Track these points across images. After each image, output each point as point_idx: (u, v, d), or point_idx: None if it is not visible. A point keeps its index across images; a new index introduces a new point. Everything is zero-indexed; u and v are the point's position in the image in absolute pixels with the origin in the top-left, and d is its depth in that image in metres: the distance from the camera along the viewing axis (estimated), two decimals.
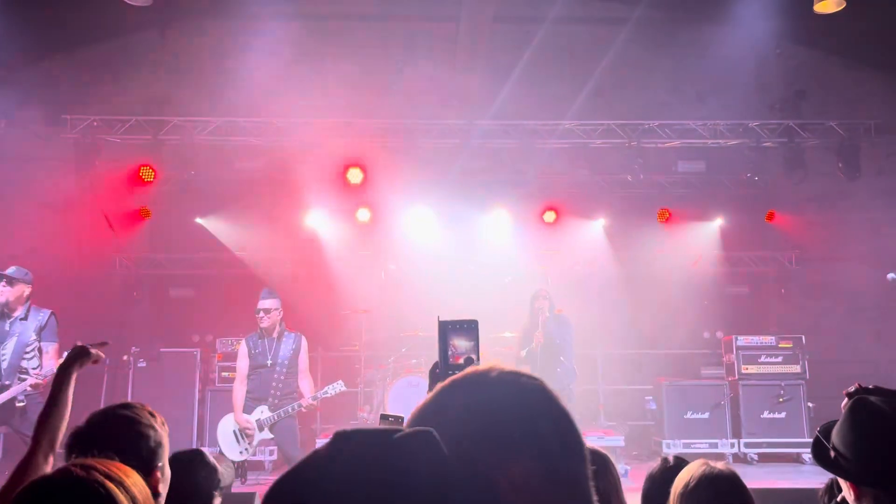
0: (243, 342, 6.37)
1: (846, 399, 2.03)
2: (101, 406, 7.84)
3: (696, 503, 2.04)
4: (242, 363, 6.30)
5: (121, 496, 1.35)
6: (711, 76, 9.87)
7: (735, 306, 10.77)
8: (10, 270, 5.73)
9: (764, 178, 10.03)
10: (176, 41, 10.39)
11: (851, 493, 1.87)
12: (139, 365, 8.48)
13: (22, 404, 5.53)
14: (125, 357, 8.69)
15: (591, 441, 3.12)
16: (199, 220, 10.34)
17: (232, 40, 9.62)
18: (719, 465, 2.17)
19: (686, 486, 2.10)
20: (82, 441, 1.94)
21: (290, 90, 9.20)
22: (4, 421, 5.52)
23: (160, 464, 2.00)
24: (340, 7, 10.40)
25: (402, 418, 2.77)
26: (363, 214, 9.98)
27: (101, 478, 1.36)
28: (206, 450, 2.88)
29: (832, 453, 1.91)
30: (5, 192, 9.85)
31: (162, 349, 8.63)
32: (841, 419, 1.93)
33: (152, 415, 2.14)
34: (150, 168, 9.16)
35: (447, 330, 1.95)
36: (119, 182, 9.47)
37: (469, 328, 1.96)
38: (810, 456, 6.89)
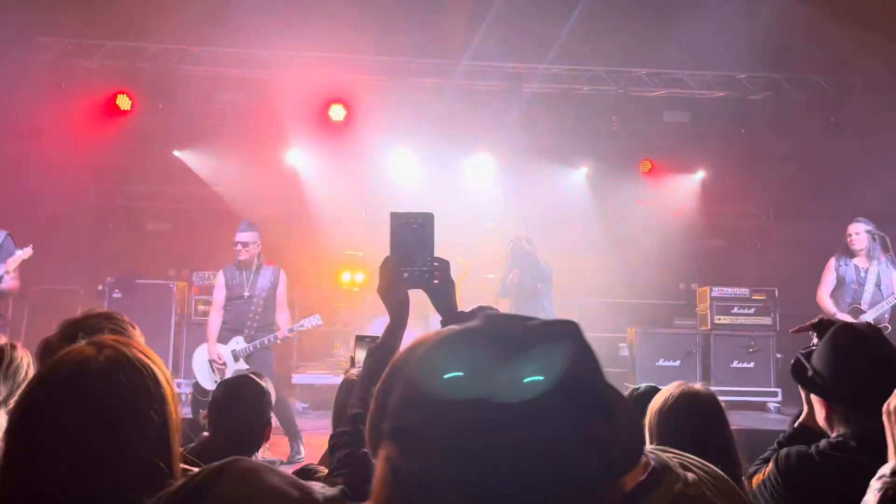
0: (220, 273, 6.34)
1: (812, 329, 2.10)
2: None
3: (675, 419, 2.06)
4: (219, 294, 6.28)
5: (159, 373, 1.27)
6: (701, 26, 9.74)
7: (712, 259, 10.88)
8: None
9: (748, 133, 10.03)
10: None
11: (822, 410, 1.94)
12: (114, 296, 8.40)
13: None
14: (100, 287, 8.61)
15: None
16: (176, 153, 10.16)
17: None
18: (697, 386, 2.20)
19: (665, 402, 2.12)
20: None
21: (275, 19, 8.95)
22: None
23: None
24: None
25: (377, 338, 2.75)
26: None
27: (141, 354, 1.28)
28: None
29: (810, 372, 1.97)
30: None
31: (137, 280, 8.55)
32: (823, 341, 1.99)
33: (133, 326, 2.10)
34: (127, 96, 8.92)
35: (400, 225, 1.81)
36: (94, 109, 9.24)
37: (424, 223, 1.80)
38: (776, 404, 7.02)
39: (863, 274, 7.39)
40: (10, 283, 5.73)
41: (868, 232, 7.33)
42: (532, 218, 9.40)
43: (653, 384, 2.64)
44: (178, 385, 8.24)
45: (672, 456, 1.04)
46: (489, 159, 10.07)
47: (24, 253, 5.64)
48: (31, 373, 2.13)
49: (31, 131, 9.78)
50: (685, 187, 10.73)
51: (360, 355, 2.54)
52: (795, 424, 2.32)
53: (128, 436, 1.17)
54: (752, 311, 9.11)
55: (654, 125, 10.49)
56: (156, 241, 10.74)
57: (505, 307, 7.73)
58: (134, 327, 2.07)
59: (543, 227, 9.36)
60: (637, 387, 2.68)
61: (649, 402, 2.23)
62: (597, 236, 10.18)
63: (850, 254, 7.47)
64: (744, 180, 10.87)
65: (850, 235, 7.39)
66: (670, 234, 10.47)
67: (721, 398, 7.93)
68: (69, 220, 10.16)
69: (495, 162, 10.08)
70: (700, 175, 10.71)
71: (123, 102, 8.94)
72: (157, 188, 10.55)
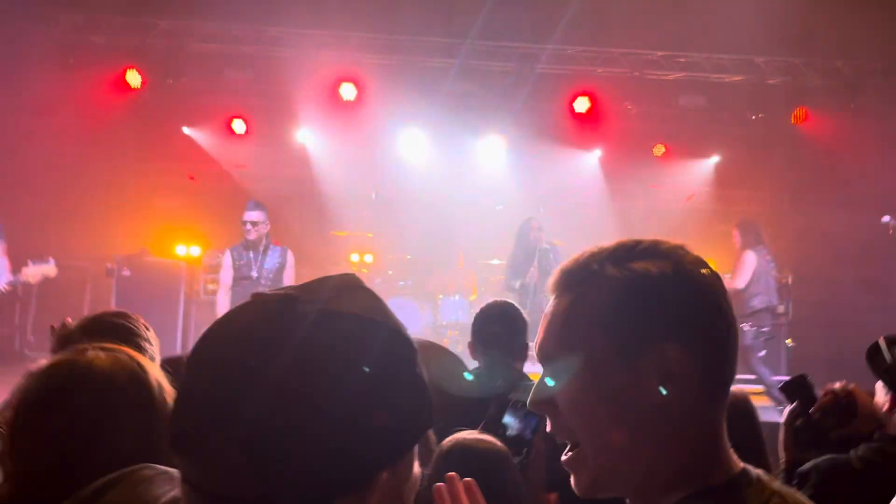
0: (227, 253, 6.30)
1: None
2: (85, 312, 7.76)
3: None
4: (226, 274, 6.24)
5: (150, 376, 1.26)
6: (718, 8, 9.57)
7: (725, 245, 10.75)
8: None
9: (764, 117, 9.88)
10: None
11: (889, 402, 1.92)
12: (123, 273, 8.37)
13: None
14: (108, 265, 8.58)
15: None
16: (186, 130, 10.09)
17: None
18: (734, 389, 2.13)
19: None
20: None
21: None
22: None
23: None
24: None
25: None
26: (353, 133, 9.64)
27: (130, 358, 1.26)
28: None
29: (889, 360, 1.93)
30: None
31: (146, 258, 8.52)
32: None
33: (147, 328, 2.05)
34: (138, 72, 8.84)
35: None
36: (103, 86, 9.16)
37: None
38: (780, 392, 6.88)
39: None
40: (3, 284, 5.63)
41: None
42: (543, 201, 9.31)
43: None
44: None
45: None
46: (500, 141, 9.95)
47: (48, 269, 5.50)
48: None
49: (40, 107, 9.72)
50: (699, 172, 10.60)
51: None
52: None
53: (115, 442, 1.16)
54: None
55: (669, 108, 10.34)
56: (164, 218, 10.70)
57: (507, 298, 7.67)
58: (148, 329, 2.02)
59: (555, 211, 9.26)
60: None
61: None
62: (609, 220, 10.07)
63: None
64: (759, 165, 10.73)
65: None
66: (684, 219, 10.35)
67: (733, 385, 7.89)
68: (77, 197, 10.14)
69: (506, 144, 9.97)
70: (714, 160, 10.57)
71: (133, 79, 8.86)
72: (167, 164, 10.49)
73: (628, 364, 0.92)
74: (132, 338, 1.90)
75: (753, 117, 9.65)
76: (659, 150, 10.17)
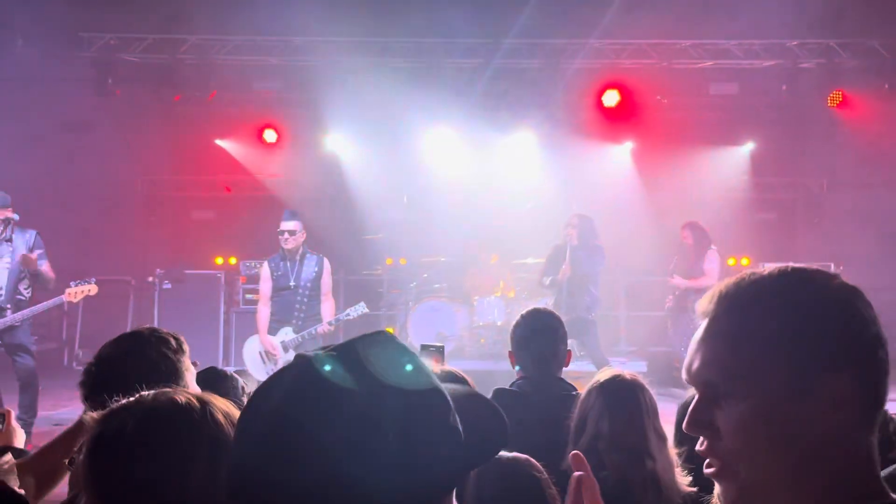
0: (265, 264, 6.36)
1: None
2: (129, 326, 7.95)
3: None
4: (265, 285, 6.31)
5: (209, 416, 1.30)
6: None
7: (763, 233, 10.59)
8: None
9: (799, 102, 9.69)
10: None
11: None
12: (164, 286, 8.55)
13: (19, 325, 5.61)
14: (150, 279, 8.76)
15: (616, 366, 3.09)
16: (218, 142, 10.24)
17: None
18: None
19: None
20: (95, 382, 1.91)
21: (311, 6, 8.91)
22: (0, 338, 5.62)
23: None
24: None
25: (443, 347, 2.75)
26: (383, 137, 9.75)
27: (190, 400, 1.31)
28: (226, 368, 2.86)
29: None
30: (24, 113, 9.76)
31: (186, 271, 8.68)
32: None
33: (164, 340, 2.07)
34: (170, 87, 9.00)
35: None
36: (137, 102, 9.35)
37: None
38: None
39: None
40: (47, 268, 5.79)
41: None
42: (576, 196, 9.25)
43: None
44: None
45: None
46: (531, 138, 9.92)
47: (89, 288, 5.66)
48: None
49: (77, 127, 9.97)
50: (733, 160, 10.44)
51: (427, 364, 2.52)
52: None
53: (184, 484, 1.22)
54: None
55: (700, 97, 10.21)
56: (201, 230, 10.89)
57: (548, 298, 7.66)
58: (167, 340, 2.05)
59: (588, 206, 9.19)
60: None
61: None
62: (643, 213, 9.98)
63: None
64: (795, 151, 10.54)
65: None
66: (720, 209, 10.21)
67: None
68: (117, 212, 10.37)
69: (537, 140, 9.93)
70: (749, 147, 10.39)
71: (167, 94, 9.02)
72: (201, 177, 10.67)
73: (801, 393, 0.93)
74: (144, 361, 1.94)
75: (788, 102, 9.45)
76: (693, 139, 10.03)
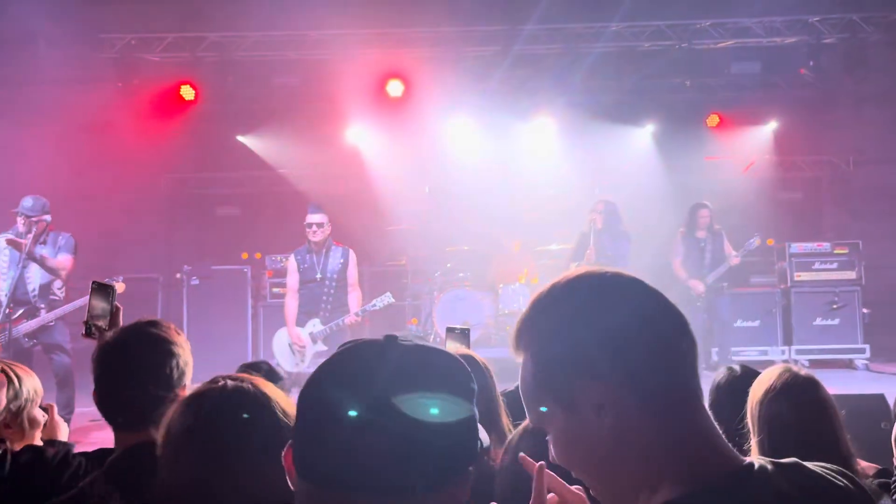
0: (291, 257, 6.42)
1: None
2: None
3: (778, 412, 1.93)
4: (292, 278, 6.38)
5: (273, 403, 1.42)
6: None
7: (789, 213, 10.48)
8: (27, 205, 5.67)
9: (822, 77, 9.54)
10: None
11: None
12: (192, 283, 8.65)
13: (53, 324, 5.70)
14: (178, 275, 8.87)
15: None
16: (240, 138, 10.32)
17: None
18: (803, 372, 2.05)
19: (766, 392, 1.98)
20: (110, 357, 1.94)
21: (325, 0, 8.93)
22: (35, 336, 5.70)
23: (185, 383, 1.99)
24: None
25: (468, 330, 2.75)
26: (403, 126, 9.74)
27: (254, 387, 1.44)
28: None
29: None
30: (48, 114, 9.89)
31: (213, 267, 8.77)
32: None
33: (178, 333, 2.11)
34: (191, 86, 9.07)
35: None
36: (159, 101, 9.44)
37: None
38: (864, 361, 6.75)
39: None
40: (59, 260, 5.84)
41: None
42: (598, 180, 9.21)
43: (746, 365, 2.51)
44: None
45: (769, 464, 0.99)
46: (550, 123, 9.88)
47: (117, 286, 5.73)
48: None
49: (101, 127, 10.08)
50: (757, 140, 10.32)
51: (452, 346, 2.53)
52: None
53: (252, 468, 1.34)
54: (834, 265, 8.76)
55: (721, 77, 10.09)
56: (226, 226, 10.99)
57: None
58: (179, 333, 2.09)
59: (610, 190, 9.15)
60: (731, 367, 2.55)
61: (746, 387, 2.09)
62: (666, 196, 9.90)
63: None
64: (819, 128, 10.40)
65: None
66: (743, 190, 10.11)
67: (805, 357, 7.69)
68: (142, 210, 10.49)
69: (557, 126, 9.89)
70: (772, 126, 10.27)
71: (187, 92, 9.09)
72: (224, 174, 10.76)
73: (570, 407, 0.98)
74: (162, 345, 1.98)
75: (811, 78, 9.31)
76: (713, 120, 9.95)
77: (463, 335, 2.64)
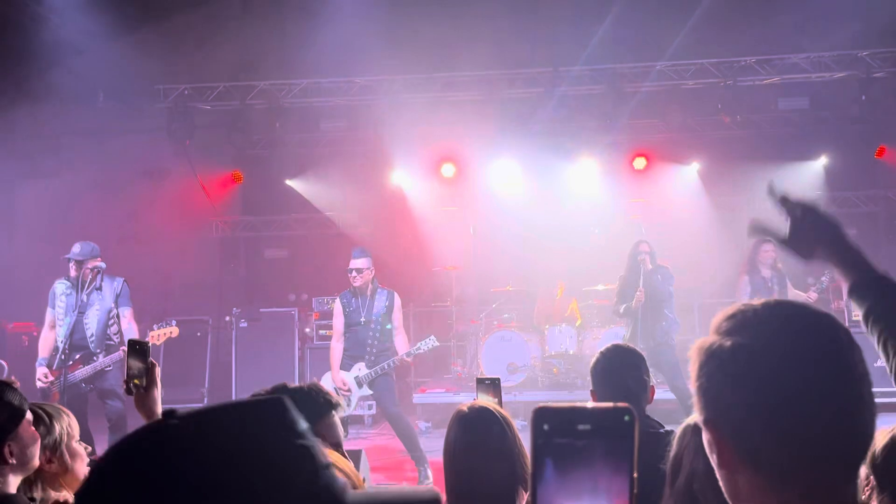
0: (337, 300, 6.46)
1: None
2: (207, 364, 8.14)
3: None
4: (338, 321, 6.41)
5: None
6: (812, 4, 9.19)
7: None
8: (76, 251, 5.83)
9: (873, 112, 9.34)
10: (258, 4, 10.49)
11: None
12: (241, 325, 8.79)
13: (109, 369, 5.80)
14: (227, 318, 9.02)
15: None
16: (288, 182, 10.54)
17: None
18: None
19: (886, 446, 1.82)
20: None
21: (372, 47, 9.14)
22: (91, 382, 5.80)
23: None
24: None
25: (499, 380, 2.70)
26: (448, 170, 9.93)
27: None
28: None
29: None
30: (106, 162, 10.29)
31: (261, 309, 8.91)
32: None
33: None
34: (240, 132, 9.33)
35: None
36: (211, 148, 9.74)
37: None
38: None
39: None
40: (128, 321, 5.98)
41: None
42: (645, 220, 9.11)
43: None
44: None
45: None
46: (593, 164, 9.85)
47: (171, 330, 5.86)
48: None
49: (154, 174, 10.44)
50: (807, 175, 10.12)
51: (483, 398, 2.50)
52: None
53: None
54: None
55: (769, 113, 9.97)
56: (274, 268, 11.18)
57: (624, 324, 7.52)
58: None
59: (657, 229, 9.04)
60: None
61: None
62: (714, 234, 9.74)
63: None
64: (872, 162, 10.16)
65: None
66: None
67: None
68: (194, 253, 10.75)
69: (600, 166, 9.86)
70: (822, 161, 10.07)
71: (238, 139, 9.35)
72: (273, 217, 10.98)
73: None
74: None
75: (863, 113, 9.11)
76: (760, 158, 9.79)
77: (493, 386, 2.60)
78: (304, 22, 9.46)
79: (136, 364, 2.11)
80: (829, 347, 0.99)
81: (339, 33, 8.99)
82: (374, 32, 9.05)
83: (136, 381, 2.10)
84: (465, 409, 2.19)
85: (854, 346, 1.00)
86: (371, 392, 6.25)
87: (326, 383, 6.38)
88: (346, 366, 6.30)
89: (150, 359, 2.15)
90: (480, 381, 2.67)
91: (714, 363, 1.02)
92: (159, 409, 2.15)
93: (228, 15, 10.52)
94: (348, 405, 6.27)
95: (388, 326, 6.34)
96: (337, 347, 6.36)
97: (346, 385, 6.21)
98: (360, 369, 6.24)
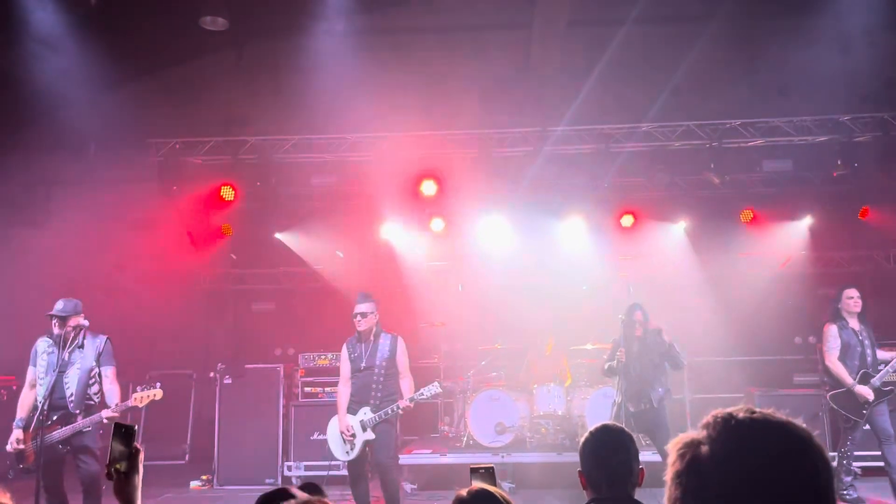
0: (344, 346, 6.48)
1: None
2: (190, 420, 8.03)
3: None
4: (344, 367, 6.41)
5: None
6: (794, 70, 9.44)
7: (826, 309, 10.24)
8: (59, 308, 5.77)
9: (856, 174, 9.51)
10: (251, 61, 10.63)
11: None
12: (225, 381, 8.66)
13: (89, 430, 5.67)
14: (212, 374, 8.90)
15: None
16: (278, 236, 10.54)
17: (305, 58, 9.76)
18: None
19: None
20: None
21: (363, 105, 9.26)
22: (68, 443, 5.66)
23: None
24: (411, 20, 10.43)
25: (493, 468, 2.66)
26: (437, 224, 9.97)
27: None
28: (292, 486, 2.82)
29: None
30: (96, 213, 10.26)
31: (247, 365, 8.79)
32: None
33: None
34: (231, 187, 9.36)
35: None
36: (201, 201, 9.74)
37: None
38: None
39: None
40: (110, 383, 5.87)
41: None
42: (632, 277, 9.14)
43: None
44: (289, 468, 8.34)
45: None
46: (581, 222, 9.94)
47: (155, 393, 5.75)
48: None
49: (142, 226, 10.41)
50: (792, 235, 10.24)
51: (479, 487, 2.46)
52: None
53: None
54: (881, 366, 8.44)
55: (754, 174, 10.13)
56: (261, 321, 11.10)
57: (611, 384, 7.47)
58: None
59: (644, 286, 9.08)
60: None
61: None
62: (701, 292, 9.80)
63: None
64: (856, 223, 10.29)
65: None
66: (780, 286, 9.97)
67: (857, 464, 7.24)
68: (180, 305, 10.66)
69: (587, 224, 9.93)
70: (807, 221, 10.20)
71: (227, 193, 9.37)
72: (262, 270, 10.94)
73: None
74: None
75: (845, 175, 9.27)
76: (747, 216, 9.91)
77: (488, 474, 2.56)
78: (296, 78, 9.59)
79: (119, 448, 2.05)
80: (801, 475, 1.06)
81: (331, 90, 9.12)
82: (364, 91, 9.19)
83: (117, 466, 2.03)
84: (464, 493, 2.15)
85: (829, 470, 1.07)
86: (374, 436, 6.15)
87: (333, 427, 6.31)
88: (352, 410, 6.27)
89: (136, 444, 2.09)
90: (474, 471, 2.63)
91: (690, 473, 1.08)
92: (138, 499, 2.06)
93: (221, 70, 10.65)
94: (352, 449, 6.18)
95: (393, 371, 6.31)
96: (343, 392, 6.33)
97: (350, 430, 6.15)
98: (366, 413, 6.20)
